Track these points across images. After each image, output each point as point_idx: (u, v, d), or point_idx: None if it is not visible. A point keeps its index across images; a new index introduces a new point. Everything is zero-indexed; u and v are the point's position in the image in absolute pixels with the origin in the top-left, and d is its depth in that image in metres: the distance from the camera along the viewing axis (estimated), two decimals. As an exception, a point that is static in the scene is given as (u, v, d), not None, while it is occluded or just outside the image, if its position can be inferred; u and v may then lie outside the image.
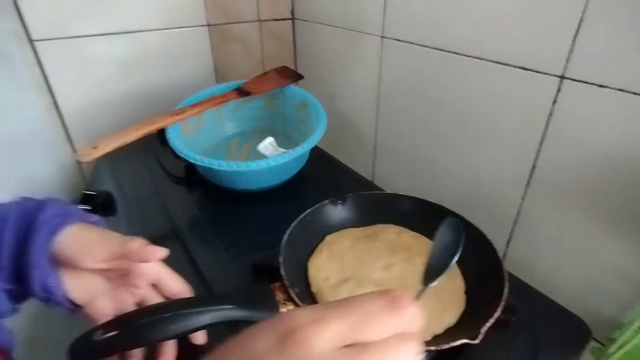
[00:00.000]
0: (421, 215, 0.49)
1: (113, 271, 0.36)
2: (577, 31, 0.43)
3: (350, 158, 0.85)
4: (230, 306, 0.34)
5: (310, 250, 0.47)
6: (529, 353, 0.39)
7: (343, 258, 0.46)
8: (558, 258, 0.52)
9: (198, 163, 0.55)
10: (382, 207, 0.51)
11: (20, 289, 0.34)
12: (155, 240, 0.54)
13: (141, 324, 0.31)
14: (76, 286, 0.35)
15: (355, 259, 0.45)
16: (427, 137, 0.67)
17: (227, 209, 0.61)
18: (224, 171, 0.56)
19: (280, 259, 0.40)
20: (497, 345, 0.39)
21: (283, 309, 0.36)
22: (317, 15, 0.86)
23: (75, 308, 0.36)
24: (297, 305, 0.36)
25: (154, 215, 0.60)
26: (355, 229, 0.51)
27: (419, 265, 0.44)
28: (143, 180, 0.69)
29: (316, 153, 0.80)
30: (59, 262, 0.34)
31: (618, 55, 0.40)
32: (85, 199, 0.65)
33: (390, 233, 0.49)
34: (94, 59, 0.75)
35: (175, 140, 0.59)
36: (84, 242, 0.35)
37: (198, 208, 0.62)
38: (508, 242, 0.58)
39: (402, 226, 0.50)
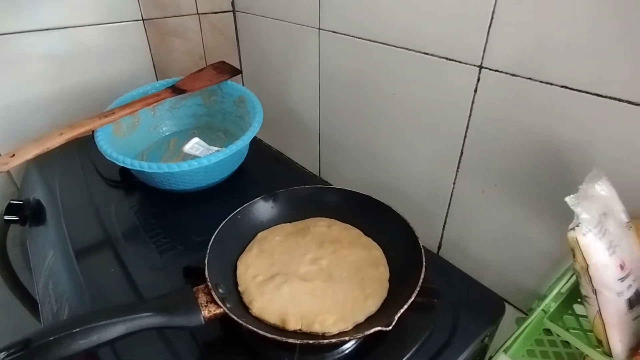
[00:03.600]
0: (351, 207, 0.50)
1: None
2: (491, 23, 0.44)
3: (298, 152, 0.85)
4: (147, 314, 0.33)
5: (242, 249, 0.47)
6: (448, 331, 0.41)
7: (273, 254, 0.46)
8: (488, 238, 0.55)
9: (128, 166, 0.53)
10: (313, 201, 0.51)
11: None
12: (86, 250, 0.53)
13: (48, 341, 0.30)
14: None
15: (284, 255, 0.46)
16: (367, 128, 0.67)
17: (164, 212, 0.60)
18: (156, 173, 0.54)
19: (206, 260, 0.40)
20: (420, 327, 0.41)
21: (204, 312, 0.35)
22: (257, 8, 0.84)
23: None
24: (219, 306, 0.35)
25: (87, 222, 0.58)
26: (288, 224, 0.51)
27: (345, 256, 0.45)
28: (77, 185, 0.66)
29: (260, 148, 0.79)
30: None
31: (526, 45, 0.42)
32: (10, 209, 0.62)
33: (321, 226, 0.49)
34: (21, 57, 0.70)
35: (104, 142, 0.57)
36: None
37: (134, 212, 0.60)
38: (444, 226, 0.60)
39: (334, 218, 0.50)
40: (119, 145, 0.62)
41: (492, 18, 0.44)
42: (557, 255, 0.48)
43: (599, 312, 0.33)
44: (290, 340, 0.34)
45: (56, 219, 0.59)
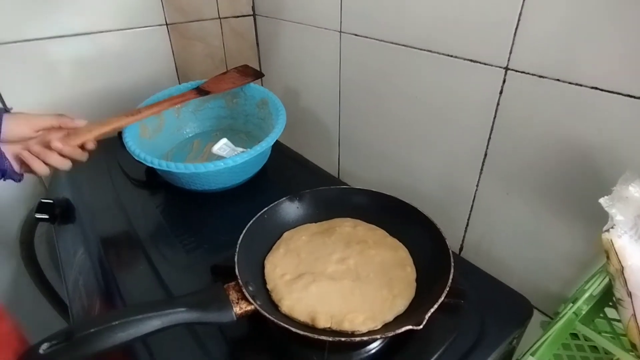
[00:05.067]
0: (376, 208, 0.50)
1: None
2: (518, 25, 0.44)
3: (317, 154, 0.86)
4: (182, 309, 0.34)
5: (268, 248, 0.48)
6: (476, 332, 0.41)
7: (299, 254, 0.46)
8: (511, 241, 0.55)
9: (155, 166, 0.55)
10: (338, 202, 0.52)
11: None
12: (115, 247, 0.54)
13: (89, 333, 0.31)
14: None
15: (311, 254, 0.46)
16: (388, 130, 0.68)
17: (189, 211, 0.61)
18: (182, 173, 0.55)
19: (236, 259, 0.41)
20: (447, 328, 0.41)
21: (236, 308, 0.36)
22: (277, 11, 0.85)
23: (21, 177, 0.50)
24: (250, 303, 0.36)
25: (114, 221, 0.59)
26: (313, 224, 0.51)
27: (372, 257, 0.45)
28: (104, 185, 0.67)
29: (281, 150, 0.80)
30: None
31: (554, 47, 0.42)
32: (42, 208, 0.64)
33: (347, 227, 0.50)
34: (49, 61, 0.73)
35: (133, 143, 0.58)
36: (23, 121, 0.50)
37: (160, 212, 0.61)
38: (466, 228, 0.60)
39: (359, 219, 0.51)
40: (146, 146, 0.63)
41: (519, 19, 0.44)
42: (583, 259, 0.47)
43: (634, 315, 0.33)
44: (322, 338, 0.34)
45: (85, 217, 0.61)
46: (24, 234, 0.80)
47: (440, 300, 0.35)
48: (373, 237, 0.48)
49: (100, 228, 0.58)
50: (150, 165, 0.55)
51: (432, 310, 0.34)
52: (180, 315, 0.34)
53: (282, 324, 0.35)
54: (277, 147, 0.79)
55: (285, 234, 0.49)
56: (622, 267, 0.32)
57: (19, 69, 0.70)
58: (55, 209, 0.64)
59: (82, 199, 0.64)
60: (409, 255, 0.46)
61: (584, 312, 0.37)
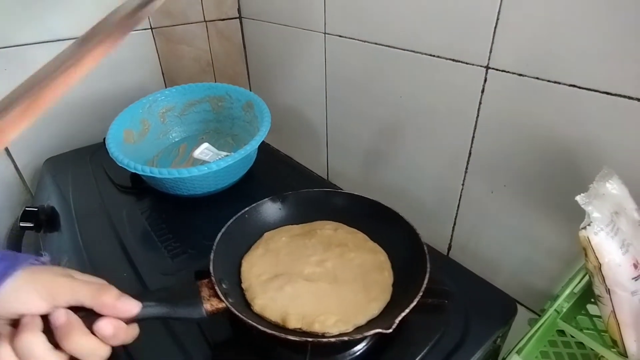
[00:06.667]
0: (358, 211, 0.50)
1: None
2: (497, 24, 0.45)
3: (306, 156, 0.85)
4: (151, 303, 0.34)
5: (248, 247, 0.48)
6: (460, 332, 0.41)
7: (278, 254, 0.46)
8: (498, 239, 0.55)
9: (139, 172, 0.54)
10: (321, 204, 0.52)
11: None
12: (98, 255, 0.54)
13: None
14: None
15: (289, 255, 0.46)
16: (374, 130, 0.68)
17: (174, 217, 0.61)
18: (166, 179, 0.55)
19: (211, 256, 0.41)
20: (431, 328, 0.41)
21: (207, 305, 0.36)
22: (263, 14, 0.85)
23: None
24: (221, 300, 0.36)
25: (99, 228, 0.59)
26: (295, 225, 0.51)
27: (351, 260, 0.45)
28: (89, 192, 0.67)
29: (269, 152, 0.80)
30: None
31: (533, 45, 0.42)
32: (26, 216, 0.63)
33: (328, 229, 0.50)
34: (30, 68, 0.71)
35: (116, 149, 0.58)
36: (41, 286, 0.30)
37: (145, 217, 0.61)
38: (453, 227, 0.60)
39: (341, 222, 0.51)
40: (130, 151, 0.63)
41: (497, 19, 0.44)
42: (568, 255, 0.47)
43: (613, 311, 0.33)
44: (290, 337, 0.34)
45: (70, 224, 0.60)
46: (11, 242, 0.79)
47: (411, 306, 0.35)
48: (353, 240, 0.48)
49: (85, 235, 0.57)
50: (133, 170, 0.55)
51: (402, 315, 0.34)
52: (149, 309, 0.33)
53: (250, 322, 0.35)
54: (265, 149, 0.79)
55: (266, 234, 0.49)
56: (600, 264, 0.32)
57: (2, 77, 0.69)
58: (40, 217, 0.64)
59: (67, 206, 0.64)
60: (388, 259, 0.46)
61: (564, 310, 0.38)
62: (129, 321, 0.32)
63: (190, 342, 0.41)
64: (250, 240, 0.49)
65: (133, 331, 0.33)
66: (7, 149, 0.74)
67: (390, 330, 0.33)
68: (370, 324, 0.38)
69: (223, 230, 0.45)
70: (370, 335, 0.34)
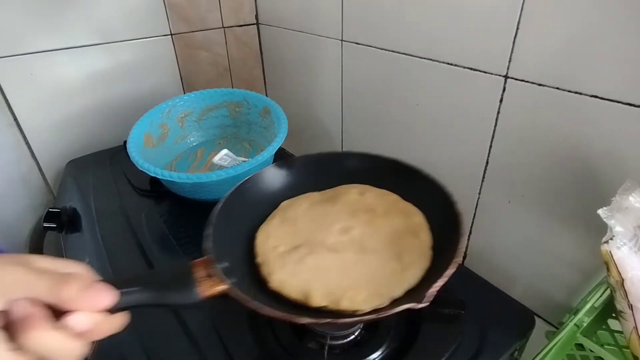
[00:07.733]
0: (386, 172, 0.45)
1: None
2: (516, 33, 0.44)
3: (320, 161, 0.86)
4: (135, 288, 0.28)
5: (260, 222, 0.43)
6: (477, 344, 0.41)
7: (296, 223, 0.41)
8: (514, 250, 0.54)
9: (158, 176, 0.55)
10: (339, 168, 0.47)
11: None
12: (118, 256, 0.55)
13: None
14: None
15: (310, 224, 0.41)
16: (390, 138, 0.68)
17: (192, 221, 0.62)
18: (185, 183, 0.56)
19: (210, 231, 0.36)
20: (447, 339, 0.41)
21: (202, 287, 0.30)
22: (280, 20, 0.86)
23: None
24: (221, 281, 0.31)
25: (119, 230, 0.60)
26: (316, 192, 0.46)
27: (381, 226, 0.40)
28: (109, 194, 0.68)
29: (285, 158, 0.80)
30: None
31: (553, 55, 0.42)
32: (49, 217, 0.65)
33: (353, 194, 0.44)
34: (55, 73, 0.74)
35: (136, 154, 0.59)
36: None
37: (164, 221, 0.62)
38: (469, 237, 0.60)
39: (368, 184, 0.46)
40: (150, 155, 0.64)
41: (517, 28, 0.44)
42: (588, 268, 0.46)
43: (636, 328, 0.32)
44: (305, 320, 0.30)
45: (91, 226, 0.62)
46: (33, 242, 0.81)
47: (447, 275, 0.29)
48: (383, 203, 0.42)
49: (105, 237, 0.59)
50: (153, 175, 0.56)
51: (436, 285, 0.29)
52: (133, 296, 0.28)
53: (251, 307, 0.29)
54: (282, 155, 0.79)
55: (283, 203, 0.44)
56: (622, 279, 0.31)
57: (28, 82, 0.71)
58: (63, 218, 0.66)
59: (88, 208, 0.66)
60: (425, 220, 0.40)
61: (585, 324, 0.37)
62: (113, 310, 0.27)
63: (205, 344, 0.41)
64: (260, 213, 0.43)
65: (118, 321, 0.27)
66: (31, 151, 0.77)
67: (422, 305, 0.28)
68: (409, 295, 0.33)
69: (220, 204, 0.38)
70: (403, 310, 0.28)
